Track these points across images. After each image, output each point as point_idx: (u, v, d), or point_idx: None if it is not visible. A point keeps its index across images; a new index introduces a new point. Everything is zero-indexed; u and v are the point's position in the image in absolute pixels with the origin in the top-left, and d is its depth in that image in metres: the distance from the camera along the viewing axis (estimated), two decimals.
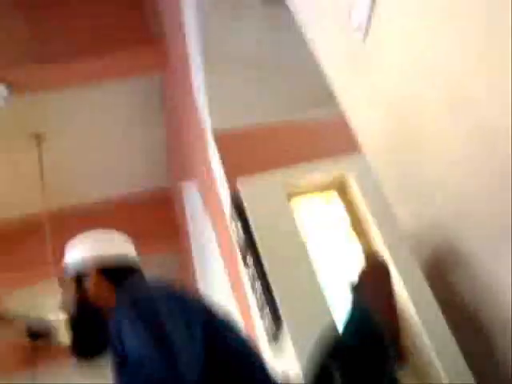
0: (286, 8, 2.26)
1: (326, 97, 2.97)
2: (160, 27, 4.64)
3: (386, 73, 1.46)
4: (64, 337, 1.68)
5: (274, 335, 2.90)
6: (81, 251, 1.71)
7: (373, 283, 1.56)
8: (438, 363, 2.40)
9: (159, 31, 4.67)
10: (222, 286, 4.08)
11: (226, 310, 1.55)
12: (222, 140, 3.56)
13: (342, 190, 3.18)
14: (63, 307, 1.69)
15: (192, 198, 5.06)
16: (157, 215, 6.17)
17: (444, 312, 1.45)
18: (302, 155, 3.33)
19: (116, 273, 1.66)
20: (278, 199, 3.10)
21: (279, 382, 1.42)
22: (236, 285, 3.81)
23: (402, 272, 2.37)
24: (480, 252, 1.26)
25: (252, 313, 3.34)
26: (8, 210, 6.09)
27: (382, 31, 1.43)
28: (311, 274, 2.82)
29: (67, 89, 5.02)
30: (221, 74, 3.55)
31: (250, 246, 3.03)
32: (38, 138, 5.59)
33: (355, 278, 1.61)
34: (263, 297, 2.95)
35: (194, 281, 5.53)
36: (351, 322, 1.47)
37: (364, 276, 1.60)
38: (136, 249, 1.81)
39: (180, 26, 3.86)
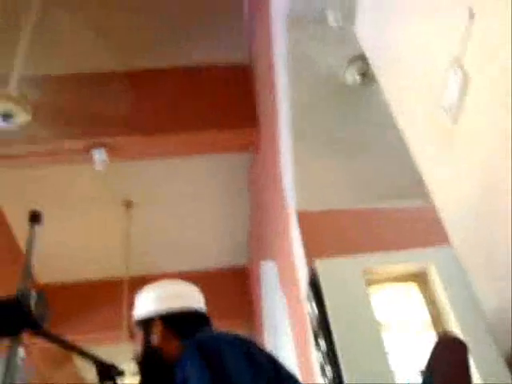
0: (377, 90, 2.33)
1: (413, 187, 3.01)
2: (255, 111, 4.84)
3: (474, 153, 1.47)
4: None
5: None
6: (147, 302, 1.76)
7: (447, 357, 1.49)
8: None
9: (253, 115, 4.86)
10: (292, 366, 4.00)
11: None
12: (304, 221, 3.59)
13: (423, 281, 3.11)
14: (134, 357, 1.73)
15: (269, 277, 5.07)
16: (233, 292, 6.21)
17: None
18: (383, 243, 3.32)
19: (182, 324, 1.69)
20: (356, 284, 3.07)
21: None
22: (305, 367, 3.74)
23: (480, 361, 2.26)
24: None
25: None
26: (92, 272, 6.33)
27: (472, 114, 1.45)
28: (383, 362, 2.74)
29: (161, 159, 5.27)
30: (308, 157, 3.63)
31: (323, 328, 2.99)
32: (128, 206, 5.84)
33: (429, 354, 1.54)
34: (332, 381, 2.88)
35: None
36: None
37: (436, 350, 1.53)
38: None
39: (273, 111, 4.01)
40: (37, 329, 1.44)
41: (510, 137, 1.30)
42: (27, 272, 1.58)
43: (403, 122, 1.97)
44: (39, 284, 6.12)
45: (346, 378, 2.74)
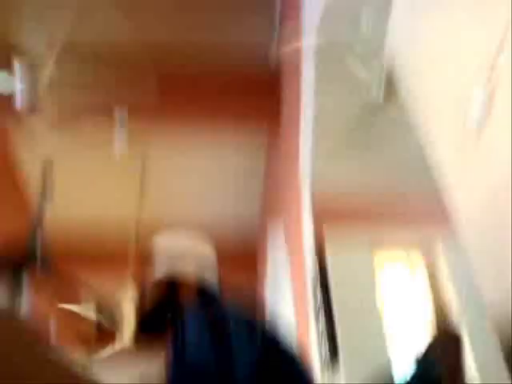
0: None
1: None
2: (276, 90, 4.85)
3: (495, 168, 1.51)
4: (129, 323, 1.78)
5: (328, 367, 2.89)
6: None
7: (442, 348, 1.54)
8: None
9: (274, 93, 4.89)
10: (287, 312, 4.14)
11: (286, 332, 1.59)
12: (317, 196, 3.61)
13: (429, 255, 3.16)
14: (137, 301, 1.79)
15: (276, 236, 5.16)
16: (240, 251, 6.33)
17: None
18: (393, 222, 3.34)
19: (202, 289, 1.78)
20: (361, 251, 3.12)
21: None
22: (300, 313, 3.84)
23: (475, 344, 2.33)
24: None
25: (311, 341, 3.33)
26: (104, 216, 6.42)
27: (496, 128, 1.48)
28: (377, 321, 2.81)
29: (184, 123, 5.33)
30: (327, 152, 3.61)
31: (323, 287, 3.04)
32: (144, 161, 5.85)
33: (426, 343, 1.60)
34: (326, 330, 2.95)
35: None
36: (416, 374, 1.46)
37: (434, 342, 1.59)
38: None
39: (297, 92, 3.98)
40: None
41: None
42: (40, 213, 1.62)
43: (425, 129, 1.99)
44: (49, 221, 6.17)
45: (338, 328, 2.80)
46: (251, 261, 6.42)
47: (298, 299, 4.06)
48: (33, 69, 3.70)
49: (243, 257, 6.36)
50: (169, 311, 1.70)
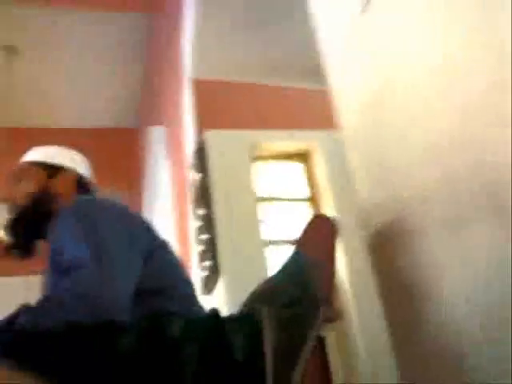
0: None
1: (316, 69, 3.00)
2: None
3: (381, 42, 1.48)
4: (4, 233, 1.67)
5: (210, 287, 2.94)
6: (60, 153, 1.75)
7: (317, 235, 1.55)
8: (359, 334, 2.48)
9: None
10: (167, 231, 4.09)
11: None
12: (197, 89, 3.52)
13: (308, 160, 3.20)
14: (11, 200, 1.67)
15: (156, 142, 5.02)
16: (118, 153, 6.12)
17: (378, 285, 1.50)
18: (273, 120, 3.35)
19: (84, 189, 1.72)
20: (242, 158, 3.10)
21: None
22: (181, 232, 3.83)
23: (346, 242, 2.42)
24: (428, 235, 1.29)
25: (192, 263, 3.36)
26: None
27: (382, 5, 1.44)
28: (257, 234, 2.85)
29: (53, 7, 4.90)
30: (212, 26, 3.50)
31: (205, 197, 3.04)
32: (12, 52, 5.43)
33: (302, 229, 1.60)
34: (207, 249, 2.98)
35: None
36: (287, 270, 1.47)
37: (309, 226, 1.59)
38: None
39: None
40: None
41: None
42: None
43: (313, 2, 1.93)
44: None
45: (219, 245, 2.83)
46: (131, 166, 6.27)
47: (179, 208, 4.04)
48: None
49: (123, 161, 6.20)
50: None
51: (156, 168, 5.01)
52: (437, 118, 1.24)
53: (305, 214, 3.03)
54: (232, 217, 2.90)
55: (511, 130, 1.00)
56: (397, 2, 1.39)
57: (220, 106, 3.45)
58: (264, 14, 3.47)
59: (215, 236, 2.87)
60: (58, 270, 1.30)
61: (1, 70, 5.36)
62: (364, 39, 1.56)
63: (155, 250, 1.43)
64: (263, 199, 3.06)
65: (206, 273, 2.99)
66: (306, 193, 3.12)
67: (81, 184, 1.72)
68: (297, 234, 1.58)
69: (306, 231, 1.59)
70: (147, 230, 1.48)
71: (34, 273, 2.07)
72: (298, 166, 3.22)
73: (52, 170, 1.69)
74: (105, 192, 1.85)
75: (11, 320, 1.09)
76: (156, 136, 5.06)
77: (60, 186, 1.67)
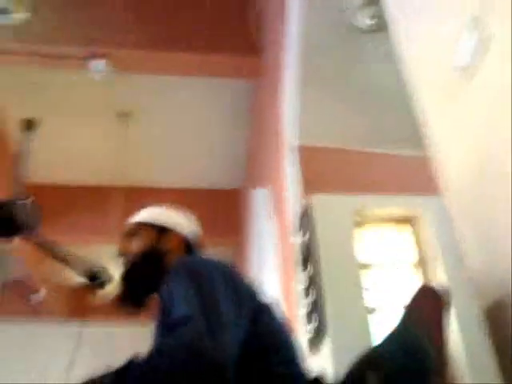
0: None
1: (417, 137, 3.05)
2: (262, 37, 4.79)
3: (481, 113, 1.51)
4: (116, 285, 1.79)
5: (315, 349, 2.96)
6: (171, 215, 1.88)
7: (427, 306, 1.55)
8: None
9: (260, 40, 4.82)
10: (272, 293, 4.16)
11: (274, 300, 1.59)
12: (303, 154, 3.65)
13: (414, 226, 3.20)
14: (125, 255, 1.79)
15: (260, 204, 5.16)
16: (223, 212, 6.33)
17: (497, 357, 1.48)
18: (378, 186, 3.39)
19: (192, 250, 1.82)
20: (347, 223, 3.15)
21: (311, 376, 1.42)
22: (286, 294, 3.88)
23: (459, 313, 2.38)
24: None
25: (297, 325, 3.40)
26: (86, 177, 6.40)
27: (484, 74, 1.49)
28: (360, 300, 2.87)
29: (164, 75, 5.23)
30: (313, 94, 3.63)
31: (311, 259, 3.09)
32: (126, 116, 5.83)
33: (409, 299, 1.60)
34: (311, 311, 3.02)
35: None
36: (396, 337, 1.47)
37: (418, 296, 1.60)
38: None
39: (282, 39, 3.98)
40: (29, 234, 1.47)
41: None
42: (20, 178, 1.60)
43: (411, 72, 1.99)
44: (32, 185, 6.17)
45: (327, 307, 2.86)
46: (236, 225, 6.44)
47: (284, 269, 4.11)
48: None
49: (228, 221, 6.39)
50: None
51: (260, 229, 5.13)
52: None
53: (412, 281, 3.02)
54: (336, 281, 2.93)
55: None
56: (497, 76, 1.43)
57: (324, 171, 3.54)
58: (366, 82, 3.57)
59: (321, 298, 2.91)
60: (167, 326, 1.33)
61: (117, 133, 5.75)
62: (465, 109, 1.60)
63: (260, 312, 1.45)
64: (365, 266, 3.08)
65: (311, 334, 3.03)
66: (413, 259, 3.11)
67: (189, 244, 1.82)
68: (404, 301, 1.59)
69: (414, 300, 1.60)
70: (254, 292, 1.51)
71: (143, 325, 2.19)
72: (403, 232, 3.22)
73: (160, 230, 1.81)
74: (211, 252, 1.94)
75: (120, 372, 1.13)
76: (259, 197, 5.20)
77: (168, 244, 1.78)
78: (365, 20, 3.22)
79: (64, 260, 1.83)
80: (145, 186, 6.29)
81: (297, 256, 3.40)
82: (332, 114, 3.65)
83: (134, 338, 5.37)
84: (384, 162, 3.60)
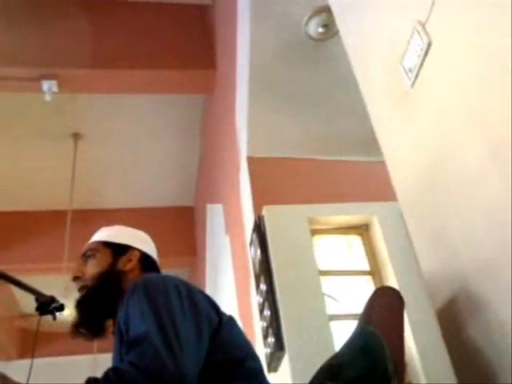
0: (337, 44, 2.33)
1: (365, 143, 3.07)
2: (214, 50, 4.79)
3: (429, 117, 1.52)
4: (70, 314, 1.72)
5: (275, 364, 2.92)
6: (126, 233, 1.81)
7: (383, 307, 1.55)
8: None
9: (212, 54, 4.81)
10: (230, 307, 4.10)
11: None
12: (253, 166, 3.63)
13: (366, 234, 3.21)
14: (78, 277, 1.73)
15: (215, 220, 5.12)
16: (176, 231, 6.26)
17: (451, 357, 1.48)
18: (330, 194, 3.40)
19: (148, 266, 1.75)
20: (301, 233, 3.13)
21: None
22: (244, 311, 3.84)
23: (413, 313, 2.38)
24: (496, 303, 1.29)
25: (256, 340, 3.36)
26: (37, 203, 6.26)
27: (431, 77, 1.50)
28: (321, 308, 2.84)
29: (114, 94, 5.18)
30: (264, 105, 3.64)
31: (265, 273, 3.07)
32: (76, 138, 5.75)
33: (365, 302, 1.60)
34: (270, 325, 2.98)
35: None
36: (355, 342, 1.46)
37: (374, 298, 1.59)
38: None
39: (231, 54, 3.98)
40: None
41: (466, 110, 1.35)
42: None
43: (362, 78, 2.01)
44: None
45: (282, 321, 2.83)
46: (190, 244, 6.38)
47: (241, 284, 4.07)
48: None
49: (182, 239, 6.33)
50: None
51: (216, 245, 5.08)
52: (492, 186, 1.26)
53: (366, 288, 3.02)
54: (294, 291, 2.91)
55: None
56: (443, 79, 1.44)
57: (276, 182, 3.53)
58: (314, 90, 3.59)
59: (278, 311, 2.88)
60: (125, 345, 1.31)
61: (68, 155, 5.66)
62: (414, 113, 1.61)
63: (222, 325, 1.44)
64: (325, 273, 3.07)
65: (270, 349, 2.98)
66: (366, 266, 3.12)
67: (146, 262, 1.76)
68: (360, 307, 1.58)
69: (370, 304, 1.59)
70: (213, 307, 1.49)
71: (103, 351, 2.12)
72: (356, 239, 3.23)
73: (117, 249, 1.74)
74: (168, 270, 1.89)
75: None
76: (214, 213, 5.16)
77: (126, 264, 1.71)
78: (315, 28, 3.24)
79: (19, 283, 1.74)
80: (97, 207, 6.18)
81: (253, 269, 3.36)
82: (281, 123, 3.65)
83: (96, 365, 5.26)
84: (334, 169, 3.61)
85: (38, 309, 1.84)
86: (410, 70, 1.57)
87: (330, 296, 3.00)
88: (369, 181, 3.46)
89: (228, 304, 4.27)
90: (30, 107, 5.22)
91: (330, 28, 3.17)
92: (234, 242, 4.35)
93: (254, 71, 3.52)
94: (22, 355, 7.10)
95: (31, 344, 6.16)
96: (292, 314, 2.84)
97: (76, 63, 4.50)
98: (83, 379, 1.22)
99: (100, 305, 1.66)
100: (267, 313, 3.04)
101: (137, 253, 1.75)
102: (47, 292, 1.94)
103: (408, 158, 1.70)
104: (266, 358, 3.03)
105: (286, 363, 2.76)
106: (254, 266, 3.34)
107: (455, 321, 1.49)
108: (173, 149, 6.00)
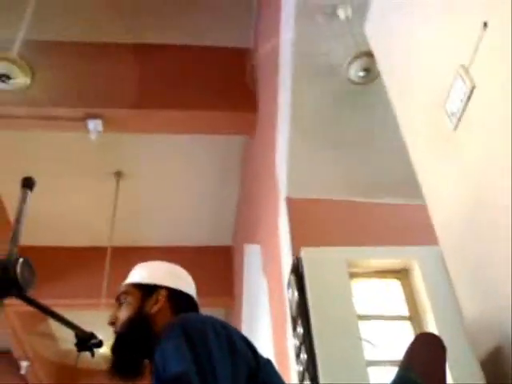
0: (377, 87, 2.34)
1: (406, 186, 3.05)
2: (257, 93, 4.86)
3: (472, 160, 1.51)
4: (107, 354, 1.72)
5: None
6: (156, 270, 1.77)
7: (425, 354, 1.51)
8: None
9: (255, 96, 4.88)
10: (267, 351, 4.05)
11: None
12: (292, 208, 3.63)
13: (405, 278, 3.16)
14: (112, 321, 1.72)
15: (252, 260, 5.11)
16: (213, 270, 6.25)
17: None
18: (370, 237, 3.37)
19: (182, 305, 1.71)
20: (339, 275, 3.10)
21: None
22: (281, 353, 3.79)
23: (454, 361, 2.31)
24: None
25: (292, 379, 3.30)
26: (78, 239, 6.36)
27: (474, 121, 1.49)
28: (359, 353, 2.78)
29: (156, 133, 5.28)
30: (304, 147, 3.66)
31: (303, 315, 3.03)
32: (119, 176, 5.86)
33: (408, 347, 1.57)
34: (306, 370, 2.93)
35: None
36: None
37: (416, 344, 1.56)
38: None
39: (273, 97, 4.03)
40: (22, 294, 1.43)
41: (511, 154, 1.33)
42: (16, 238, 1.55)
43: (404, 122, 2.01)
44: (23, 246, 6.12)
45: (319, 367, 2.78)
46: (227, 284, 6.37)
47: (277, 326, 4.03)
48: None
49: (219, 279, 6.32)
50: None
51: (253, 285, 5.06)
52: None
53: (404, 333, 2.95)
54: (331, 335, 2.86)
55: None
56: (487, 123, 1.43)
57: (315, 223, 3.52)
58: (354, 133, 3.60)
59: (315, 355, 2.83)
60: (161, 382, 1.31)
61: (110, 192, 5.76)
62: (456, 156, 1.60)
63: (260, 368, 1.43)
64: (363, 317, 3.02)
65: None
66: (405, 311, 3.05)
67: (177, 300, 1.71)
68: (398, 353, 1.56)
69: (411, 350, 1.57)
70: (250, 348, 1.48)
71: None
72: (396, 283, 3.17)
73: (146, 291, 1.70)
74: (203, 309, 1.87)
75: None
76: (252, 253, 5.16)
77: (152, 306, 1.67)
78: (356, 72, 3.27)
79: (60, 318, 1.76)
80: (136, 245, 6.24)
81: (290, 311, 3.33)
82: (321, 165, 3.66)
83: None
84: (374, 212, 3.59)
85: (77, 344, 1.84)
86: (453, 114, 1.56)
87: (367, 341, 2.94)
88: (408, 224, 3.42)
89: (264, 346, 4.22)
90: (75, 145, 5.35)
91: (370, 72, 3.19)
92: (271, 283, 4.33)
93: (294, 113, 3.55)
94: None
95: (69, 381, 6.17)
96: (329, 359, 2.79)
97: (121, 103, 4.62)
98: None
99: (130, 350, 1.64)
100: (304, 356, 2.99)
101: (164, 292, 1.70)
102: (85, 328, 1.95)
103: (450, 201, 1.68)
104: None
105: None
106: (291, 308, 3.30)
107: (500, 371, 1.44)
108: (212, 188, 6.06)
